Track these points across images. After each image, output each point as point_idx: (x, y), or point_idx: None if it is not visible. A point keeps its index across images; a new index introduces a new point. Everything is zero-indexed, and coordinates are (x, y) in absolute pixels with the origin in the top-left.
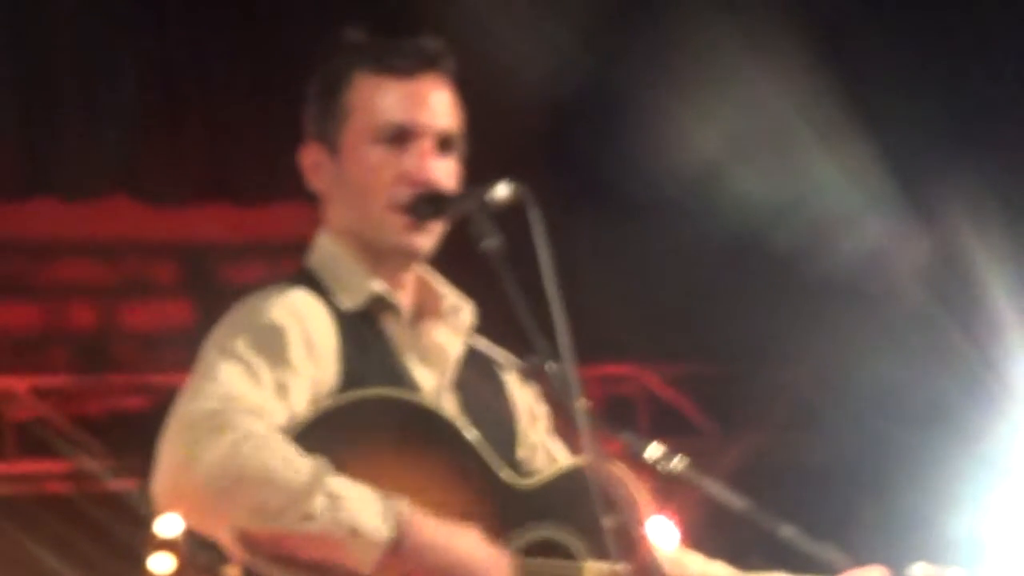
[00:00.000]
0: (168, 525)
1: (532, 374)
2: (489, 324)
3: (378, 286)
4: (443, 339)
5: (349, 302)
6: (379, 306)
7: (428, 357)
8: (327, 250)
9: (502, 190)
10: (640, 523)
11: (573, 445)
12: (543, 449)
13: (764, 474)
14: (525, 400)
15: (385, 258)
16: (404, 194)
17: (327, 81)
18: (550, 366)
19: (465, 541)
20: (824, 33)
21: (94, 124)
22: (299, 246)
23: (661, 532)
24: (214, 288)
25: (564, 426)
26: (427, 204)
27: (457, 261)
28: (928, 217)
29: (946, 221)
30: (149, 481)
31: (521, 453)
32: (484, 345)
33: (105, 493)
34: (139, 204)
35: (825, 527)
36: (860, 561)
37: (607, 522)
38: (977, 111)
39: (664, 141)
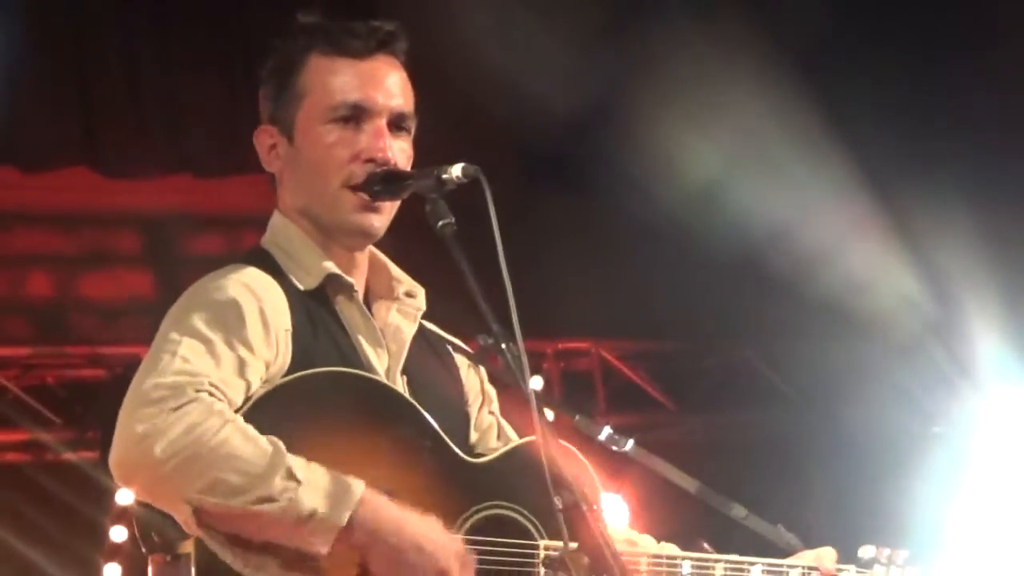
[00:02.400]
0: (128, 496)
1: (485, 353)
2: (442, 302)
3: (333, 266)
4: (397, 321)
5: (304, 281)
6: (334, 286)
7: (381, 339)
8: (282, 230)
9: (457, 170)
10: (590, 503)
11: (524, 425)
12: (494, 430)
13: (718, 450)
14: (475, 383)
15: (339, 238)
16: (360, 172)
17: (281, 64)
18: (504, 346)
19: (419, 525)
20: (805, 54)
21: (55, 96)
22: (258, 219)
23: (612, 510)
24: (174, 259)
25: (515, 406)
26: (382, 182)
27: (409, 239)
28: (887, 203)
29: (904, 205)
30: (108, 452)
31: (473, 435)
32: (435, 330)
33: (63, 464)
34: (99, 175)
35: (778, 504)
36: (810, 542)
37: (557, 502)
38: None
39: (626, 121)
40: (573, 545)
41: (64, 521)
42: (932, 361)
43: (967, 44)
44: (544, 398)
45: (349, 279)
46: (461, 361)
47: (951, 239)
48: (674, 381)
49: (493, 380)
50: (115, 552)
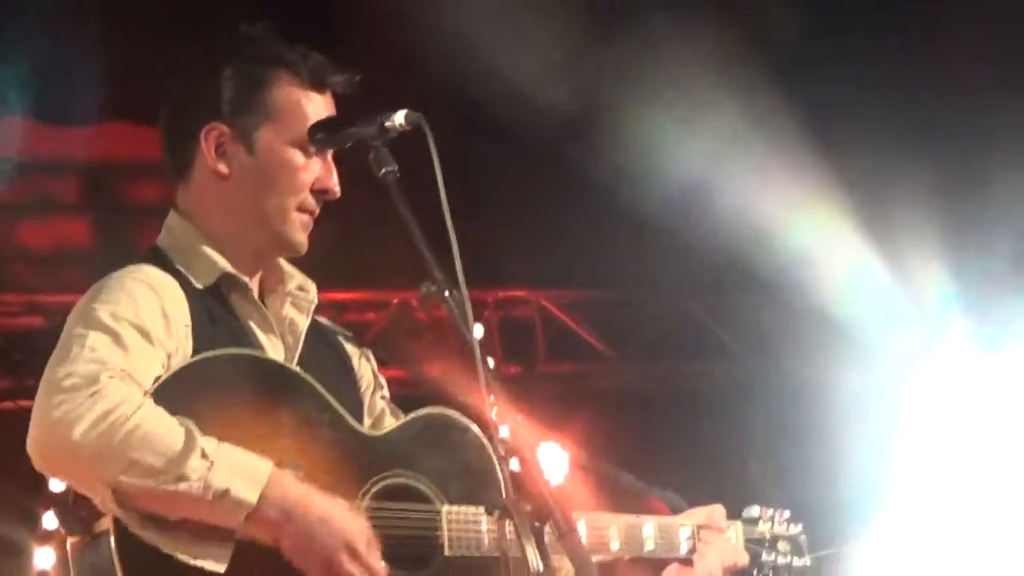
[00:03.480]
0: None
1: (428, 301)
2: (381, 251)
3: (228, 265)
4: (291, 315)
5: (200, 279)
6: (228, 284)
7: (276, 331)
8: (178, 231)
9: (399, 117)
10: (524, 454)
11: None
12: (387, 415)
13: (658, 400)
14: (366, 370)
15: (265, 246)
16: (311, 201)
17: (247, 71)
18: (447, 294)
19: (326, 504)
20: (785, 59)
21: None
22: None
23: (551, 460)
24: (113, 207)
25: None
26: (327, 129)
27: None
28: (838, 169)
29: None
30: None
31: (366, 420)
32: (326, 323)
33: (2, 412)
34: (40, 123)
35: (719, 454)
36: (749, 493)
37: (499, 446)
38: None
39: (561, 71)
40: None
41: (3, 470)
42: (872, 309)
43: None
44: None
45: (243, 278)
46: (352, 351)
47: (897, 199)
48: (614, 330)
49: (382, 366)
50: (54, 501)
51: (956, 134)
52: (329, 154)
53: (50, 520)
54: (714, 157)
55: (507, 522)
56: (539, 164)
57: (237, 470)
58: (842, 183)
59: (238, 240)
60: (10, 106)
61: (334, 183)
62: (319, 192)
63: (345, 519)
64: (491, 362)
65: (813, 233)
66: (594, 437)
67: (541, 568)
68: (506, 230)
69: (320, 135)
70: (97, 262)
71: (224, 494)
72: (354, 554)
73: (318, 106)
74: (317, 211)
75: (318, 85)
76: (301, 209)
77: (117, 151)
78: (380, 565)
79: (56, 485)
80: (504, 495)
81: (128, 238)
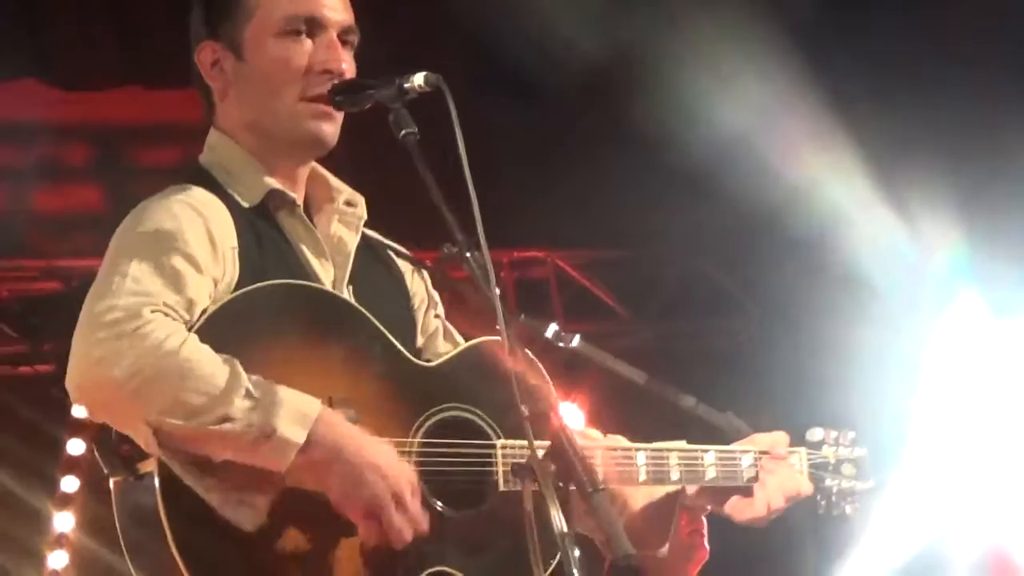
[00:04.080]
0: (83, 409)
1: (448, 261)
2: (396, 211)
3: (274, 182)
4: (340, 232)
5: (246, 197)
6: (276, 201)
7: (325, 250)
8: (221, 147)
9: (419, 79)
10: (555, 408)
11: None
12: (440, 333)
13: (675, 359)
14: (420, 288)
15: (286, 152)
16: (316, 84)
17: None
18: (468, 255)
19: (377, 448)
20: (810, 29)
21: (2, 9)
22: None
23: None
24: (125, 171)
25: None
26: (345, 93)
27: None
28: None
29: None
30: (64, 365)
31: (420, 340)
32: (378, 237)
33: (19, 377)
34: (49, 87)
35: (735, 410)
36: (759, 429)
37: (524, 409)
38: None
39: (579, 27)
40: (540, 451)
41: (21, 435)
42: (887, 269)
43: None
44: (504, 305)
45: (291, 194)
46: (405, 267)
47: (914, 165)
48: (630, 290)
49: (437, 285)
50: (73, 465)
51: (972, 103)
52: (330, 32)
53: (75, 447)
54: (732, 120)
55: (530, 481)
56: (554, 123)
57: (284, 409)
58: (863, 149)
59: (268, 150)
60: (22, 69)
61: (335, 59)
62: (323, 73)
63: (395, 467)
64: (554, 326)
65: (831, 195)
66: (610, 397)
67: (565, 529)
68: (521, 190)
69: (339, 97)
70: (111, 227)
71: (271, 434)
72: (401, 504)
73: None
74: (326, 92)
75: None
76: (307, 98)
77: (128, 115)
78: (422, 518)
79: (80, 412)
80: (531, 452)
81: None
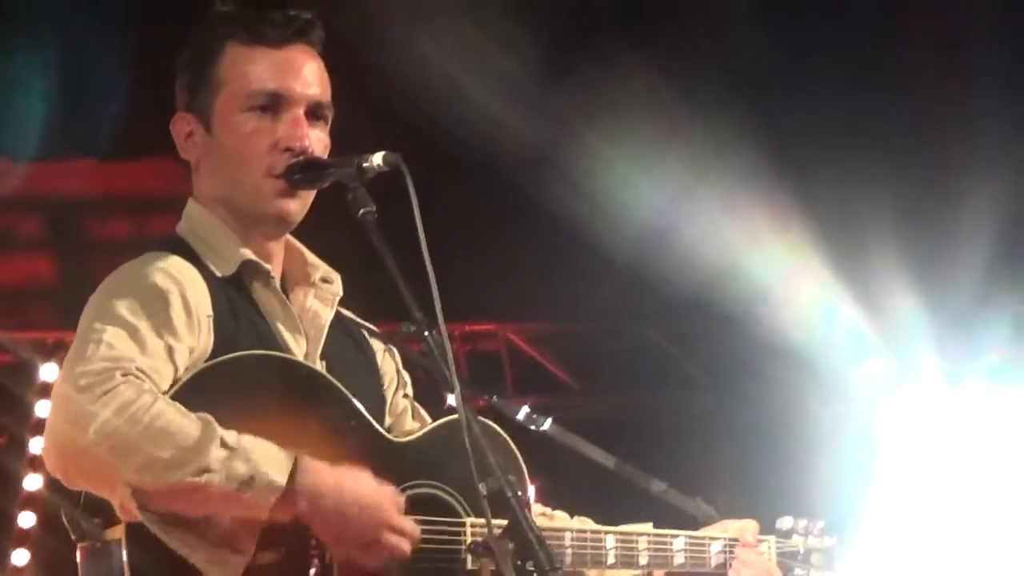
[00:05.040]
0: (36, 481)
1: (407, 340)
2: (354, 288)
3: (249, 253)
4: (315, 307)
5: (221, 268)
6: (251, 272)
7: (299, 324)
8: (197, 218)
9: (377, 158)
10: (515, 488)
11: (440, 410)
12: (408, 412)
13: (626, 431)
14: (390, 367)
15: (256, 226)
16: (280, 161)
17: (198, 52)
18: (427, 333)
19: (356, 481)
20: (750, 91)
21: None
22: (164, 201)
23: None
24: (78, 243)
25: (431, 392)
26: (303, 171)
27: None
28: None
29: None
30: (15, 437)
31: (388, 419)
32: (351, 316)
33: None
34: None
35: (688, 486)
36: (728, 515)
37: (482, 488)
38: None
39: (525, 103)
40: (497, 531)
41: None
42: (839, 341)
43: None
44: (466, 383)
45: (266, 265)
46: (377, 346)
47: (864, 232)
48: (580, 362)
49: (407, 364)
50: (23, 538)
51: (922, 165)
52: (296, 109)
53: (25, 520)
54: (680, 189)
55: (489, 560)
56: (503, 198)
57: (262, 456)
58: (809, 216)
59: (239, 223)
60: None
61: (298, 137)
62: (286, 151)
63: (376, 494)
64: (525, 409)
65: (780, 265)
66: (563, 470)
67: None
68: (470, 263)
69: (297, 176)
70: (63, 298)
71: (250, 481)
72: (392, 527)
73: (267, 62)
74: (286, 170)
75: (264, 40)
76: (271, 175)
77: (80, 187)
78: (414, 528)
79: (31, 485)
80: (488, 531)
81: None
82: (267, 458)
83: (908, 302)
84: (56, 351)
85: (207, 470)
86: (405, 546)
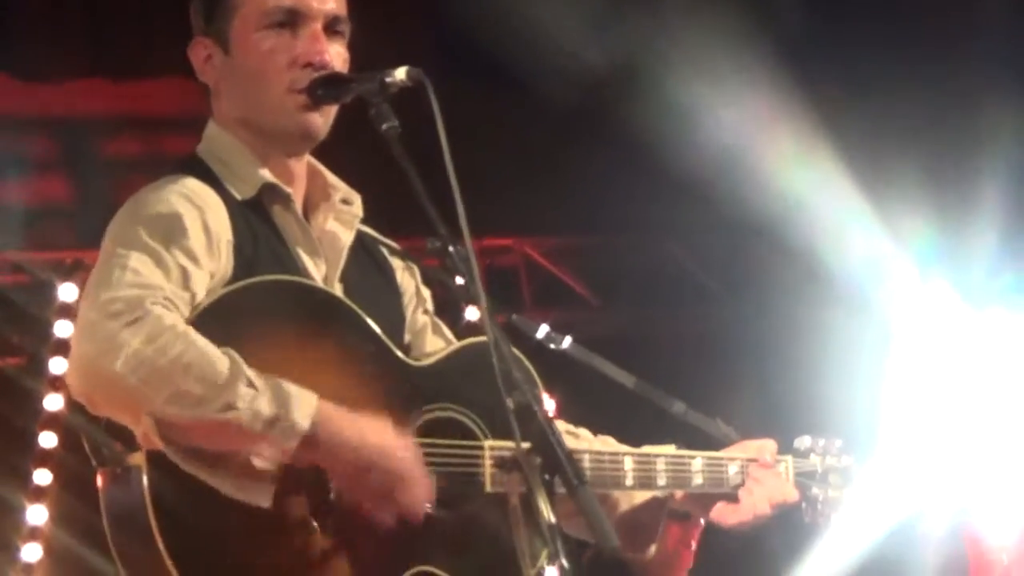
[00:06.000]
0: (56, 401)
1: (433, 256)
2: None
3: (269, 175)
4: (334, 229)
5: (241, 191)
6: (270, 195)
7: (318, 247)
8: (218, 140)
9: (400, 73)
10: (540, 400)
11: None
12: (428, 329)
13: (645, 346)
14: (410, 285)
15: (278, 146)
16: (301, 77)
17: None
18: (451, 248)
19: (375, 431)
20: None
21: None
22: (176, 121)
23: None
24: (91, 163)
25: (448, 309)
26: (326, 86)
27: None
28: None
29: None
30: (34, 357)
31: (408, 337)
32: (371, 233)
33: None
34: (11, 80)
35: (708, 400)
36: (747, 434)
37: (509, 403)
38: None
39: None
40: (525, 445)
41: None
42: (860, 257)
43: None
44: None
45: (286, 189)
46: (396, 263)
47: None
48: (599, 277)
49: (427, 281)
50: (45, 458)
51: (947, 87)
52: (314, 24)
53: (47, 440)
54: (702, 104)
55: (516, 476)
56: (523, 111)
57: (285, 398)
58: (837, 136)
59: (260, 143)
60: None
61: (317, 52)
62: (306, 66)
63: (400, 448)
64: (545, 328)
65: (802, 181)
66: (581, 389)
67: (553, 521)
68: (489, 177)
69: (320, 91)
70: (79, 218)
71: (275, 420)
72: (411, 487)
73: None
74: (309, 86)
75: None
76: (293, 90)
77: (91, 107)
78: (432, 493)
79: (52, 405)
80: (516, 446)
81: (111, 194)
82: (291, 400)
83: (926, 218)
84: (74, 271)
85: (232, 407)
86: (419, 506)
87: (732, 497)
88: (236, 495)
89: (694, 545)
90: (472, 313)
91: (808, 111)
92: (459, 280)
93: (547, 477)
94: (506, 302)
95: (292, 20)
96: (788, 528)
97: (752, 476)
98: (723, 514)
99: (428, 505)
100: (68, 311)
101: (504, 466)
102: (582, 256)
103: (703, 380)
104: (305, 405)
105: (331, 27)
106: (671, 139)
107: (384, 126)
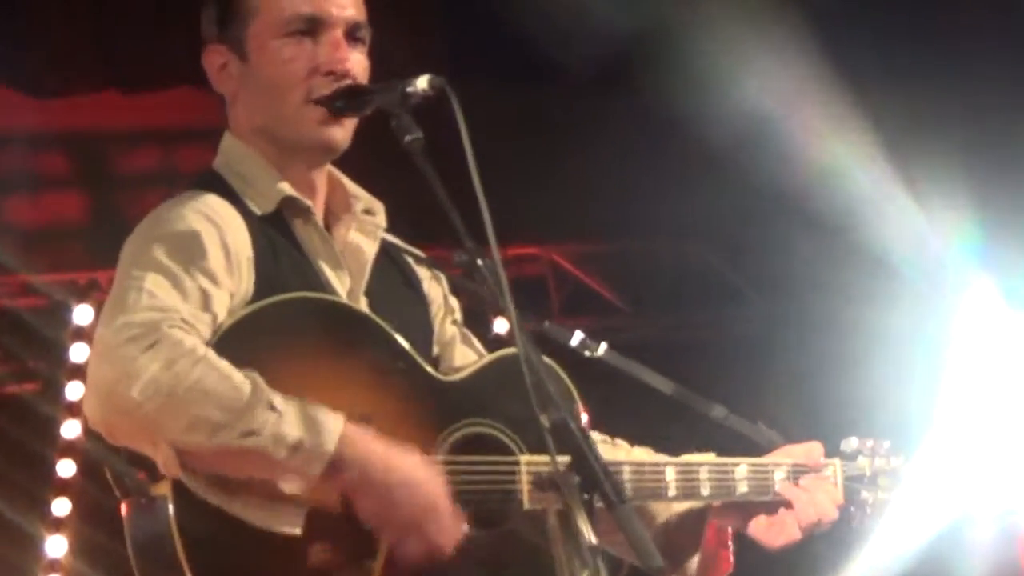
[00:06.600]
0: (74, 428)
1: (460, 268)
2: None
3: (289, 188)
4: (358, 241)
5: (260, 206)
6: (291, 209)
7: (341, 261)
8: (235, 153)
9: (422, 83)
10: (576, 415)
11: (486, 339)
12: (457, 340)
13: (679, 351)
14: (437, 295)
15: (298, 157)
16: (321, 86)
17: None
18: (480, 262)
19: (406, 461)
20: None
21: None
22: (191, 133)
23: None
24: (106, 179)
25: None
26: (346, 98)
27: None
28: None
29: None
30: (50, 383)
31: (436, 349)
32: (396, 242)
33: (5, 397)
34: (20, 95)
35: (746, 405)
36: (790, 438)
37: (544, 420)
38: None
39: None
40: (562, 463)
41: (9, 456)
42: (902, 246)
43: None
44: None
45: (306, 202)
46: (422, 273)
47: (925, 132)
48: (629, 282)
49: (454, 290)
50: (64, 487)
51: (989, 88)
52: (334, 31)
53: (65, 468)
54: (742, 102)
55: (554, 495)
56: (547, 106)
57: (309, 423)
58: (875, 130)
59: (279, 155)
60: None
61: (339, 60)
62: (327, 75)
63: (428, 481)
64: (579, 335)
65: (842, 172)
66: (616, 398)
67: (595, 542)
68: (512, 181)
69: (339, 103)
70: (94, 237)
71: (298, 446)
72: (438, 520)
73: None
74: (328, 97)
75: None
76: (311, 101)
77: (104, 120)
78: (460, 528)
79: (69, 432)
80: (552, 464)
81: (126, 211)
82: (317, 423)
83: (970, 218)
84: (89, 292)
85: (254, 433)
86: (447, 545)
87: (772, 508)
88: (264, 523)
89: (731, 546)
90: (501, 325)
91: (849, 101)
92: (485, 289)
93: (586, 496)
94: (535, 311)
95: (312, 28)
96: (833, 531)
97: (799, 483)
98: (768, 534)
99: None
100: (84, 334)
101: (542, 484)
102: (611, 261)
103: (742, 384)
104: (331, 429)
105: (352, 34)
106: (700, 135)
107: (407, 138)
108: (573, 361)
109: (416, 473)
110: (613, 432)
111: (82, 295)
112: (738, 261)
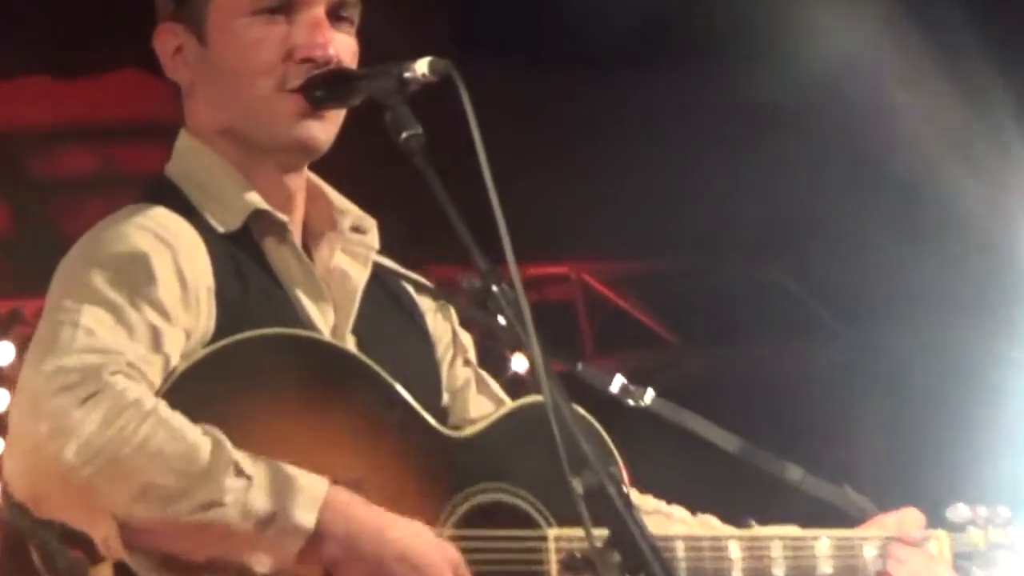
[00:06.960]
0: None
1: (468, 297)
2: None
3: (259, 200)
4: (343, 266)
5: (223, 222)
6: (262, 225)
7: (324, 290)
8: (192, 156)
9: (422, 67)
10: (617, 479)
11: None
12: (472, 385)
13: (735, 393)
14: (445, 331)
15: (269, 161)
16: (296, 73)
17: None
18: (495, 288)
19: (402, 529)
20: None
21: None
22: (138, 129)
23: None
24: (30, 185)
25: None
26: (329, 85)
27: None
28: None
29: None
30: None
31: (446, 398)
32: (391, 266)
33: None
34: None
35: (819, 460)
36: (883, 505)
37: (577, 486)
38: None
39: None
40: (599, 537)
41: None
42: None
43: None
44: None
45: (281, 216)
46: (426, 305)
47: None
48: (676, 309)
49: (466, 324)
50: None
51: None
52: (314, 9)
53: None
54: (782, 97)
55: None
56: (565, 102)
57: (284, 489)
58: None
59: (247, 157)
60: None
61: (319, 45)
62: (304, 62)
63: (429, 550)
64: (620, 379)
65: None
66: (664, 454)
67: None
68: (535, 188)
69: (320, 92)
70: (19, 254)
71: (270, 519)
72: None
73: None
74: (306, 84)
75: None
76: (285, 91)
77: (31, 113)
78: None
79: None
80: (588, 541)
81: (56, 224)
82: (291, 491)
83: None
84: (11, 325)
85: (217, 504)
86: None
87: None
88: None
89: None
90: (520, 362)
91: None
92: (501, 320)
93: None
94: (563, 346)
95: (286, 4)
96: None
97: (895, 557)
98: None
99: None
100: (3, 377)
101: (574, 565)
102: (654, 283)
103: (818, 436)
104: (311, 495)
105: (336, 11)
106: (757, 121)
107: (404, 135)
108: (610, 404)
109: (417, 544)
110: (668, 496)
111: (2, 329)
112: (814, 283)
